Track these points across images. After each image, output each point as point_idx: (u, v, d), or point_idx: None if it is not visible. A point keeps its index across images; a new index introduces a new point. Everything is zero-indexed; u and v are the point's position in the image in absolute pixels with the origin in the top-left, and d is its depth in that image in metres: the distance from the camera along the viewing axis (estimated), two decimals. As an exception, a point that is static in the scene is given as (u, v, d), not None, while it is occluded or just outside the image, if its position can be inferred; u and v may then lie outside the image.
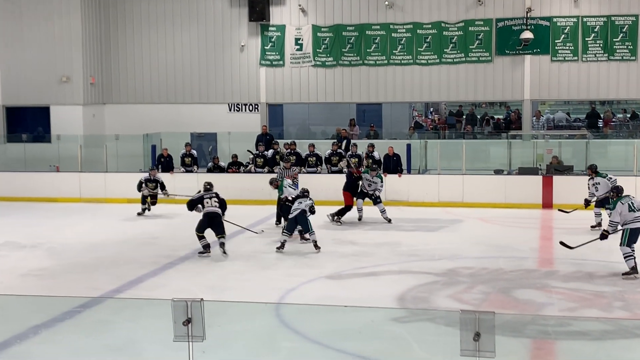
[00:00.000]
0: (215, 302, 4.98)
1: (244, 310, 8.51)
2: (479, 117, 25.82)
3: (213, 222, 13.36)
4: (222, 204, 13.59)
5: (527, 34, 22.01)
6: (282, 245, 13.59)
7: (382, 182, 16.69)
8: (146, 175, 17.93)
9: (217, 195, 13.58)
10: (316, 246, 13.62)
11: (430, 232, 15.82)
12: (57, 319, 9.12)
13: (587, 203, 15.31)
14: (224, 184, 18.81)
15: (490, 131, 24.61)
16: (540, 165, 20.03)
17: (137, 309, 9.53)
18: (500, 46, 22.46)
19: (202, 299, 4.76)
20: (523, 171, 19.42)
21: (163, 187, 17.80)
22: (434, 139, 23.54)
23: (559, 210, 16.38)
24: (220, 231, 13.38)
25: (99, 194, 19.59)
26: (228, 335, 7.44)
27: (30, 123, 24.36)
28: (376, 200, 16.55)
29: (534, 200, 18.08)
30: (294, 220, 13.75)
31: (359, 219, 16.64)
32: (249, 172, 19.90)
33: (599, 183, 15.04)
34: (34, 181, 20.38)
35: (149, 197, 17.58)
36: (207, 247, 13.22)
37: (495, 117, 26.90)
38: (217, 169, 20.07)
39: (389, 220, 16.37)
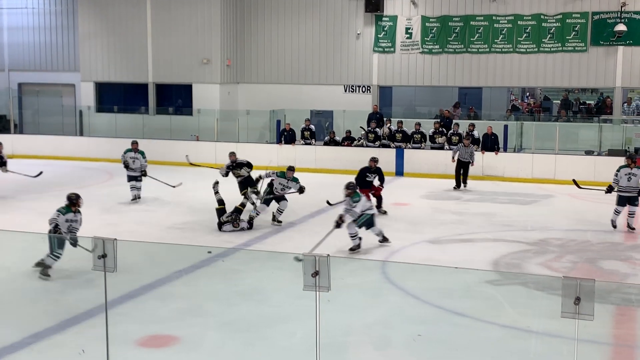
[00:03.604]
0: (336, 258, 5.02)
1: (356, 266, 8.60)
2: (572, 101, 24.85)
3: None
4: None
5: (621, 27, 20.91)
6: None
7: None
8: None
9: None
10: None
11: (523, 205, 15.43)
12: (196, 265, 9.48)
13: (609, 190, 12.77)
14: (338, 155, 19.18)
15: (582, 115, 23.65)
16: (628, 147, 19.14)
17: (262, 261, 9.79)
18: (595, 37, 21.45)
19: (328, 255, 4.84)
20: (612, 152, 18.62)
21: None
22: (529, 121, 22.85)
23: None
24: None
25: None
26: (345, 287, 7.54)
27: (175, 98, 25.20)
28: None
29: (622, 180, 17.29)
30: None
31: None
32: (361, 146, 19.92)
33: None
34: (177, 148, 21.10)
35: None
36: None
37: (587, 102, 25.83)
38: (332, 142, 20.20)
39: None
